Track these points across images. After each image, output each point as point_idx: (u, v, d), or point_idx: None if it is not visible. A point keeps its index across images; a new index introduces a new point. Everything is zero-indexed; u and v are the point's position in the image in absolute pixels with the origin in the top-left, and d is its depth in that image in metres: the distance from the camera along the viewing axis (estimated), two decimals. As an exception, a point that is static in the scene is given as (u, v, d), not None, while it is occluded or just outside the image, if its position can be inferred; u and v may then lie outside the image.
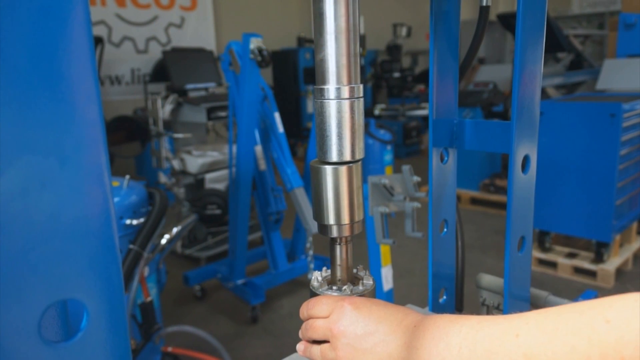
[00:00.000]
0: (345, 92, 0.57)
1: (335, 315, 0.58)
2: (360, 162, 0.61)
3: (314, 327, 0.60)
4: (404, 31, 8.13)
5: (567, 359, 0.38)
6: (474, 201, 4.84)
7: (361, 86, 0.59)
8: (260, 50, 2.72)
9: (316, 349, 0.60)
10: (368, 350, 0.54)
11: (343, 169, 0.59)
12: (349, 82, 0.57)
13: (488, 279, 0.93)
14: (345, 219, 0.61)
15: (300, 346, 0.63)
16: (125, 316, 0.50)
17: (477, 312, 0.95)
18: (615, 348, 0.35)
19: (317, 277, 0.66)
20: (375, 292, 0.65)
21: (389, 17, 8.56)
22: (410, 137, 7.17)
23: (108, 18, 5.81)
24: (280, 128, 2.93)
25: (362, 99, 0.60)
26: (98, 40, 5.14)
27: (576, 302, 0.41)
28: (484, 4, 0.78)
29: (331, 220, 0.61)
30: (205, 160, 3.85)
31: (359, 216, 0.62)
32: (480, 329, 0.46)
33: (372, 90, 8.18)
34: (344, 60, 0.57)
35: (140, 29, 6.11)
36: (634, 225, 3.42)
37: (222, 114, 3.83)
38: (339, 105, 0.58)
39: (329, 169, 0.59)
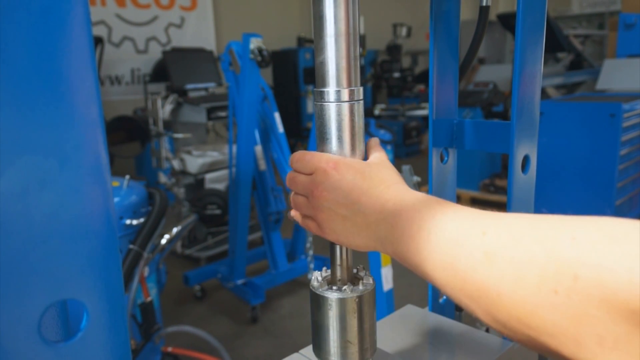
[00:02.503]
0: (345, 94, 0.57)
1: (318, 176, 0.57)
2: None
3: (296, 182, 0.60)
4: (404, 31, 8.12)
5: (523, 266, 0.37)
6: (474, 201, 4.84)
7: (361, 89, 0.59)
8: (260, 50, 2.72)
9: (301, 199, 0.60)
10: (347, 218, 0.55)
11: None
12: (349, 85, 0.57)
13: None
14: None
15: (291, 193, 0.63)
16: (125, 316, 0.50)
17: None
18: (571, 266, 0.34)
19: (317, 277, 0.66)
20: (376, 292, 0.65)
21: (389, 17, 8.56)
22: (410, 137, 7.17)
23: (108, 18, 5.81)
24: (280, 128, 2.93)
25: (362, 102, 0.60)
26: (98, 40, 5.14)
27: (556, 215, 0.40)
28: (484, 4, 0.78)
29: None
30: (205, 160, 3.85)
31: None
32: (453, 220, 0.46)
33: (372, 91, 8.18)
34: (343, 63, 0.57)
35: (140, 29, 6.11)
36: (634, 225, 3.42)
37: (222, 114, 3.83)
38: (338, 108, 0.58)
39: None
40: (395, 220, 0.51)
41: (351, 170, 0.56)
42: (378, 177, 0.56)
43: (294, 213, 0.63)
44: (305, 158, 0.59)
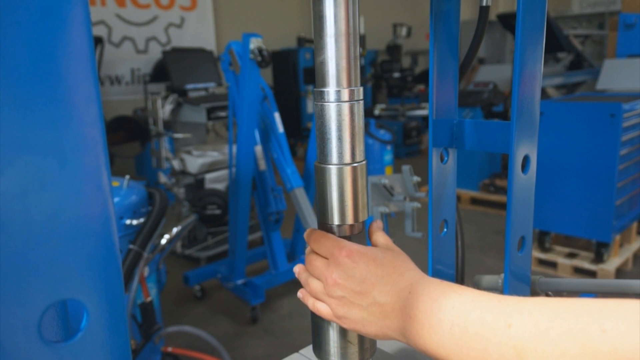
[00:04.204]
0: (345, 94, 0.57)
1: (332, 264, 0.57)
2: (365, 163, 0.61)
3: (313, 266, 0.59)
4: (404, 31, 8.13)
5: None
6: (474, 201, 4.84)
7: (361, 89, 0.59)
8: (260, 50, 2.72)
9: (317, 284, 0.59)
10: (363, 307, 0.54)
11: (347, 169, 0.59)
12: (349, 85, 0.58)
13: (487, 279, 0.93)
14: (349, 219, 0.60)
15: (301, 277, 0.62)
16: (125, 316, 0.50)
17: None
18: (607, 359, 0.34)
19: (317, 277, 0.66)
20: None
21: (389, 17, 8.56)
22: (410, 137, 7.17)
23: (108, 18, 5.81)
24: (280, 128, 2.93)
25: (362, 102, 0.60)
26: (98, 40, 5.14)
27: (576, 300, 0.40)
28: (484, 4, 0.78)
29: (336, 221, 0.61)
30: (205, 160, 3.85)
31: (363, 216, 0.61)
32: (473, 310, 0.45)
33: (372, 90, 8.18)
34: (343, 63, 0.57)
35: (140, 29, 6.11)
36: (634, 225, 3.42)
37: (222, 114, 3.83)
38: (339, 108, 0.58)
39: (333, 169, 0.59)
40: (413, 311, 0.50)
41: (364, 258, 0.55)
42: (391, 265, 0.55)
43: (301, 294, 0.62)
44: (321, 240, 0.59)
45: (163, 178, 3.74)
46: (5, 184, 0.35)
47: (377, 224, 0.63)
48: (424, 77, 8.31)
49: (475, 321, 0.44)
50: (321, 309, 0.59)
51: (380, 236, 0.62)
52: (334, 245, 0.57)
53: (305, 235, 0.62)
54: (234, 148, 2.99)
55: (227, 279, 3.14)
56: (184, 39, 6.44)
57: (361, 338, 0.62)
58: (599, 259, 3.18)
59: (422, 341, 0.48)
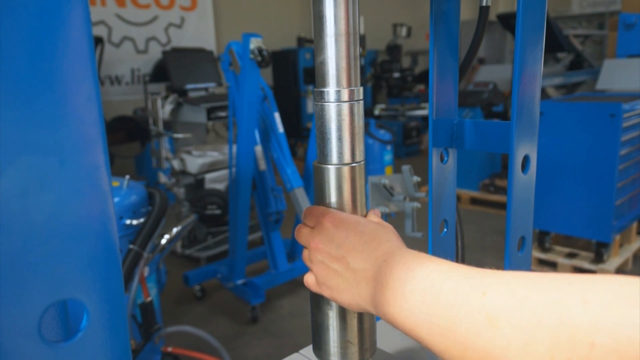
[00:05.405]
0: (345, 94, 0.57)
1: (315, 230, 0.58)
2: (363, 163, 0.61)
3: (299, 233, 0.61)
4: (404, 31, 8.12)
5: (533, 332, 0.35)
6: (474, 201, 4.84)
7: (361, 89, 0.59)
8: (260, 50, 2.72)
9: (305, 252, 0.61)
10: (338, 273, 0.54)
11: (347, 169, 0.59)
12: (349, 85, 0.58)
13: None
14: None
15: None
16: (125, 316, 0.50)
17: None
18: (586, 332, 0.32)
19: (317, 277, 0.66)
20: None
21: (389, 17, 8.56)
22: (410, 137, 7.17)
23: (108, 18, 5.81)
24: (280, 128, 2.93)
25: (362, 102, 0.60)
26: (98, 40, 5.14)
27: (558, 273, 0.38)
28: (484, 4, 0.78)
29: None
30: (205, 160, 3.85)
31: (361, 215, 0.62)
32: (449, 279, 0.43)
33: (372, 91, 8.18)
34: (343, 63, 0.57)
35: (140, 29, 6.11)
36: (634, 225, 3.42)
37: (222, 114, 3.83)
38: (339, 108, 0.58)
39: (333, 169, 0.59)
40: (385, 279, 0.48)
41: (345, 224, 0.56)
42: (371, 234, 0.55)
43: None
44: (311, 212, 0.60)
45: (163, 178, 3.75)
46: (5, 184, 0.35)
47: (375, 211, 0.64)
48: (424, 77, 8.31)
49: (449, 290, 0.42)
50: (307, 279, 0.60)
51: (372, 216, 0.62)
52: (321, 213, 0.58)
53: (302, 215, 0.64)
54: (234, 148, 2.99)
55: (227, 279, 3.14)
56: (184, 39, 6.44)
57: (361, 338, 0.62)
58: (599, 259, 3.18)
59: (391, 310, 0.47)
